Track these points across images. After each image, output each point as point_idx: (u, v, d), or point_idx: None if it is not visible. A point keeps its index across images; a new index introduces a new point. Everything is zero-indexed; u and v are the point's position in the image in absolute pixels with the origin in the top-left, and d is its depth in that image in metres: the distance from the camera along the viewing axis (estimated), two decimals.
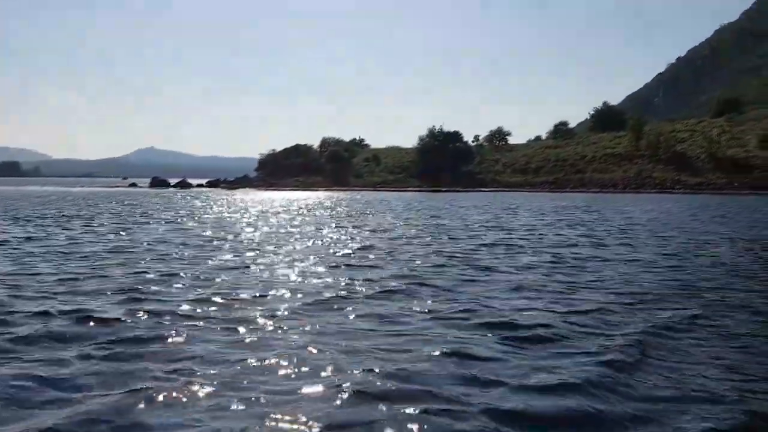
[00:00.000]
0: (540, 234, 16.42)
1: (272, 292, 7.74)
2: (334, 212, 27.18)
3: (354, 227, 18.65)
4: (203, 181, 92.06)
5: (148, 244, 13.48)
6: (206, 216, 24.58)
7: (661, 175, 66.21)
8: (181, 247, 13.11)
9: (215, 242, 14.37)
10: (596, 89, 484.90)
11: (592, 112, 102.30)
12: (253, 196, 50.51)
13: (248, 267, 10.23)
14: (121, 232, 16.56)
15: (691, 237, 15.67)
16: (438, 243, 14.14)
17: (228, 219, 22.94)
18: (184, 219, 22.39)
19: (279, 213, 27.14)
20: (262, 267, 10.23)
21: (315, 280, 8.85)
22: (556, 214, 25.03)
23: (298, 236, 16.03)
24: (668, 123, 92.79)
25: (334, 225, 19.53)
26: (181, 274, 9.15)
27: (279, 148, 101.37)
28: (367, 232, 16.92)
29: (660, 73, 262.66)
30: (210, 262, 10.75)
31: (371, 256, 11.59)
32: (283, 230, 17.98)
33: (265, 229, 18.36)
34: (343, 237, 15.74)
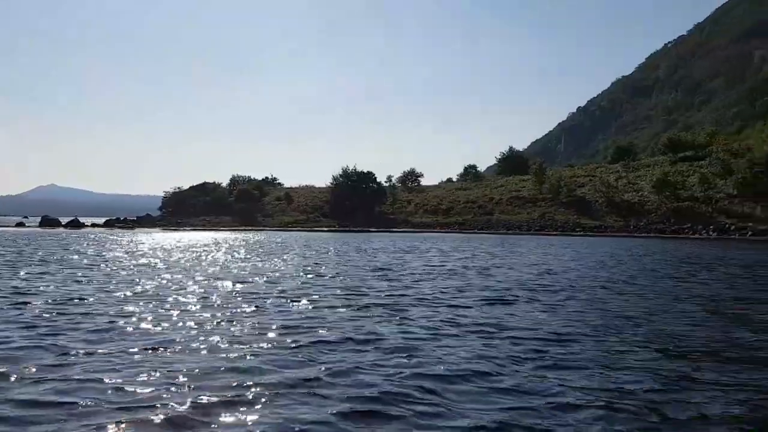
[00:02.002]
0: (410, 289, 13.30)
1: None
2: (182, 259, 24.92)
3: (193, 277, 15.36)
4: (100, 220, 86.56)
5: None
6: None
7: (563, 218, 68.78)
8: None
9: None
10: (505, 135, 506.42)
11: (499, 157, 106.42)
12: (139, 238, 46.88)
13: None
14: None
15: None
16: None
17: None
18: None
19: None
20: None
21: None
22: (453, 258, 24.56)
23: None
24: (569, 168, 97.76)
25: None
26: None
27: (186, 185, 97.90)
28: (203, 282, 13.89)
29: (561, 122, 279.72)
30: None
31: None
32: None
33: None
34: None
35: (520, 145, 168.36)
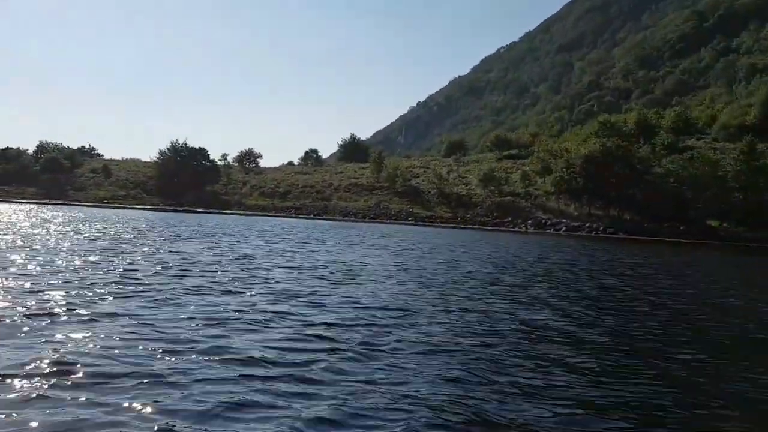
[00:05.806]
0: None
1: None
2: None
3: None
4: None
5: None
6: None
7: (397, 207, 69.84)
8: None
9: None
10: (350, 124, 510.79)
11: (341, 143, 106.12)
12: None
13: None
14: None
15: None
16: None
17: None
18: None
19: None
20: None
21: None
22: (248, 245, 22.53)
23: None
24: (406, 159, 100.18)
25: None
26: None
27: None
28: None
29: (403, 115, 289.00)
30: None
31: None
32: None
33: None
34: None
35: (364, 135, 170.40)
